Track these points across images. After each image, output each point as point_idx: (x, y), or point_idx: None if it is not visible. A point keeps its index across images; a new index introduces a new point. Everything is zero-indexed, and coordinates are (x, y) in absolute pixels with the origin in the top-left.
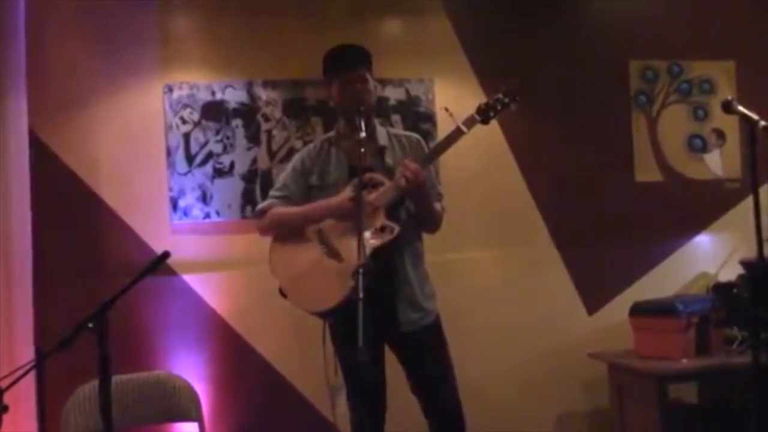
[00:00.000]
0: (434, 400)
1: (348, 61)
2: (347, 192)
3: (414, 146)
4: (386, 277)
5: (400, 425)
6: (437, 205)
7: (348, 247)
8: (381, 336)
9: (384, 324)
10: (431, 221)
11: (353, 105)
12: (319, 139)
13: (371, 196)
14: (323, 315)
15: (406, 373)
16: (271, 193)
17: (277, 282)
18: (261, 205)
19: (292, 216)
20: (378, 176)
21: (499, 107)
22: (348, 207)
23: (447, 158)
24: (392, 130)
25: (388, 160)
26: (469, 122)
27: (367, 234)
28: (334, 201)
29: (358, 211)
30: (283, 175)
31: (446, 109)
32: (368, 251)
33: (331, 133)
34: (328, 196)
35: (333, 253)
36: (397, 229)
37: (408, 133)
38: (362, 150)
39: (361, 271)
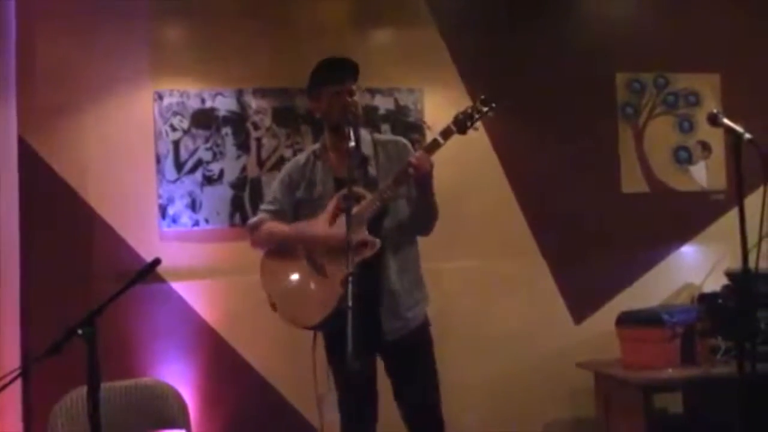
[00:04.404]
0: (412, 408)
1: (339, 75)
2: (322, 223)
3: (401, 151)
4: (371, 287)
5: None
6: None
7: (333, 263)
8: (370, 346)
9: (371, 334)
10: (430, 217)
11: (343, 117)
12: (306, 151)
13: (352, 211)
14: (311, 328)
15: (389, 379)
16: (263, 206)
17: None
18: (253, 220)
19: (280, 236)
20: (359, 190)
21: (476, 116)
22: (325, 239)
23: (436, 169)
24: (378, 136)
25: (371, 170)
26: (446, 133)
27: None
28: (313, 232)
29: (347, 219)
30: (272, 189)
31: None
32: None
33: (317, 146)
34: (314, 208)
35: (319, 270)
36: (377, 243)
37: (394, 138)
38: (351, 159)
39: (350, 279)
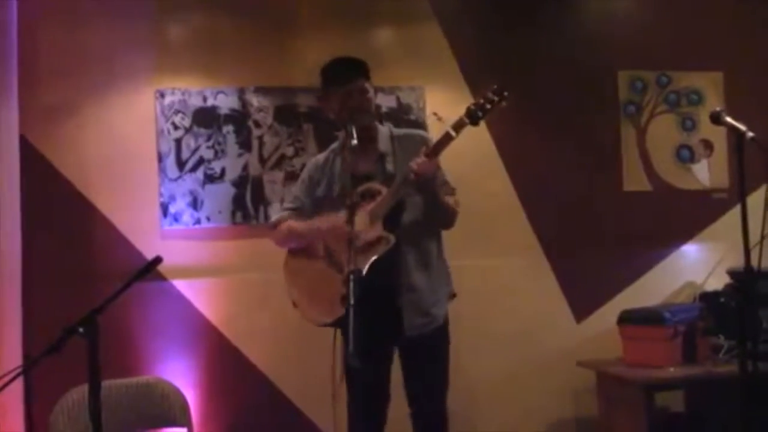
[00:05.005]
0: (419, 406)
1: (348, 74)
2: (340, 218)
3: (418, 145)
4: (390, 282)
5: None
6: (450, 200)
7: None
8: (389, 343)
9: (391, 329)
10: (444, 216)
11: (354, 116)
12: (326, 151)
13: (368, 207)
14: (331, 325)
15: (402, 374)
16: (285, 205)
17: (266, 288)
18: (274, 218)
19: (299, 232)
20: (376, 186)
21: (488, 106)
22: (343, 232)
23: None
24: (396, 130)
25: (389, 166)
26: (459, 125)
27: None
28: (330, 225)
29: (349, 218)
30: (294, 188)
31: (435, 114)
32: (366, 265)
33: (336, 144)
34: (335, 206)
35: (337, 266)
36: (392, 239)
37: (412, 131)
38: (357, 158)
39: (351, 278)
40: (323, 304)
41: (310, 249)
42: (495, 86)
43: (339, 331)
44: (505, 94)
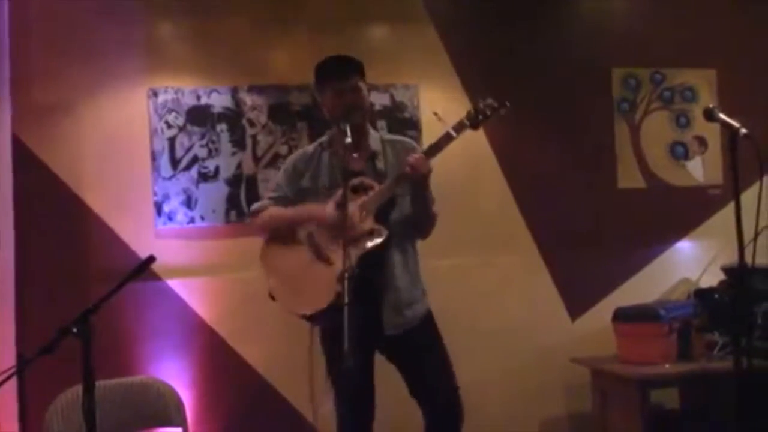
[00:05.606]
0: (434, 394)
1: (342, 72)
2: (331, 203)
3: (407, 150)
4: (374, 279)
5: None
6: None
7: (337, 251)
8: (369, 341)
9: (371, 328)
10: (428, 221)
11: (346, 115)
12: (313, 143)
13: (360, 200)
14: (310, 319)
15: (403, 377)
16: (266, 194)
17: (261, 287)
18: (255, 206)
19: (283, 217)
20: (368, 180)
21: (488, 112)
22: (331, 218)
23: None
24: (386, 136)
25: (379, 164)
26: (459, 127)
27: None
28: (319, 211)
29: (343, 217)
30: (277, 177)
31: (435, 114)
32: (356, 256)
33: (324, 138)
34: (319, 198)
35: (322, 257)
36: (385, 232)
37: (402, 138)
38: (349, 155)
39: (346, 275)
40: (305, 295)
41: (291, 238)
42: (495, 100)
43: (316, 329)
44: (507, 104)
